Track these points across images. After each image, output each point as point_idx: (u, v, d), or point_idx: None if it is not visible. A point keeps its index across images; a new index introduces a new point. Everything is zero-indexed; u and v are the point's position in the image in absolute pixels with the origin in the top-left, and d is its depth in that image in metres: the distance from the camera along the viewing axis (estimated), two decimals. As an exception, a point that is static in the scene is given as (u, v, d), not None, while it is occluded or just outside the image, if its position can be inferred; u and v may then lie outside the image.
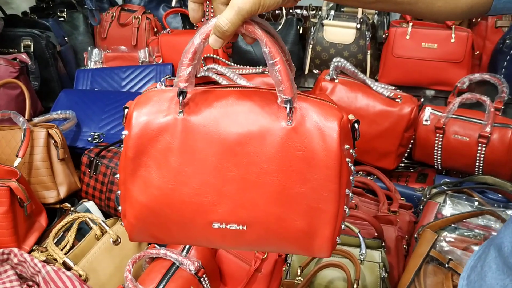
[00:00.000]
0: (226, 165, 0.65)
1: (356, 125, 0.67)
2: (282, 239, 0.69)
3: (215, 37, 0.60)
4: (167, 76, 0.71)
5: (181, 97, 0.64)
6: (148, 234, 0.71)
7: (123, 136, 0.67)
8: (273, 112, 0.65)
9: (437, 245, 1.25)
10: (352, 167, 0.68)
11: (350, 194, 0.69)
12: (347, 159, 0.66)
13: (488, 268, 0.64)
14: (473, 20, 1.98)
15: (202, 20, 0.66)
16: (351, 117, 0.67)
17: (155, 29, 2.28)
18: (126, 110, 0.67)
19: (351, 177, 0.68)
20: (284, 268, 1.31)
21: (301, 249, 0.71)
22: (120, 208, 0.71)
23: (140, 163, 0.66)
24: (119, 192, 0.70)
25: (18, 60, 1.84)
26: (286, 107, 0.64)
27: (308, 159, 0.64)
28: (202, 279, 1.22)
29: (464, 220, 1.32)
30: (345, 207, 0.68)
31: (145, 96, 0.67)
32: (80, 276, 1.24)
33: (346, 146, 0.66)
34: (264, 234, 0.68)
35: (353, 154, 0.68)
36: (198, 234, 0.69)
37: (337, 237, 0.70)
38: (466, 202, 1.41)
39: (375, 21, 2.06)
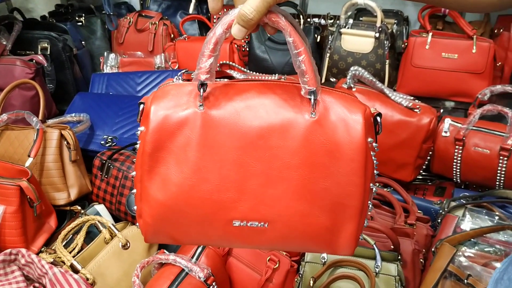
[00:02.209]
0: (248, 159, 0.63)
1: (378, 118, 0.66)
2: (305, 236, 0.67)
3: (239, 26, 0.58)
4: (184, 70, 0.70)
5: (201, 90, 0.62)
6: (164, 234, 0.69)
7: (139, 132, 0.65)
8: (296, 104, 0.63)
9: (456, 260, 1.21)
10: (375, 161, 0.66)
11: (374, 188, 0.67)
12: (371, 152, 0.64)
13: None
14: (495, 31, 1.94)
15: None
16: (373, 110, 0.66)
17: (172, 35, 2.29)
18: (142, 105, 0.66)
19: (375, 171, 0.66)
20: (296, 279, 1.27)
21: (323, 247, 0.69)
22: (135, 208, 0.69)
23: (158, 159, 0.64)
24: (134, 191, 0.68)
25: (34, 61, 1.85)
26: (310, 99, 0.63)
27: (333, 152, 0.63)
28: (211, 287, 1.19)
29: (484, 235, 1.27)
30: (369, 202, 0.67)
31: (162, 91, 0.65)
32: (87, 279, 1.22)
33: (370, 139, 0.64)
34: (286, 232, 0.66)
35: (376, 148, 0.66)
36: (218, 233, 0.67)
37: (361, 234, 0.68)
38: (486, 217, 1.36)
39: (394, 30, 2.04)
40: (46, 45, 1.98)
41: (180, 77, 0.69)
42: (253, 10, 0.56)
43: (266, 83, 0.66)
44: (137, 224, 0.71)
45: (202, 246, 1.26)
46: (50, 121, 1.64)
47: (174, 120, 0.63)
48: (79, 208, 1.52)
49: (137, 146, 0.66)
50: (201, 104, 0.62)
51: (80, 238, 1.35)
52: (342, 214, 0.65)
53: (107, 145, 1.73)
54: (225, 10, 0.63)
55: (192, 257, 1.24)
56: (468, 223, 1.36)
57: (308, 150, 0.63)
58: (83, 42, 2.22)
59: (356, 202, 0.65)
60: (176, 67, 2.14)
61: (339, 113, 0.63)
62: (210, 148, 0.63)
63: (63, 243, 1.33)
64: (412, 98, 1.74)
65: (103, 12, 2.20)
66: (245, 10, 0.57)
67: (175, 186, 0.64)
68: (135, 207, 0.69)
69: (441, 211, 1.51)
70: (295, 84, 0.66)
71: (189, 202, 0.64)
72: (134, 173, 0.67)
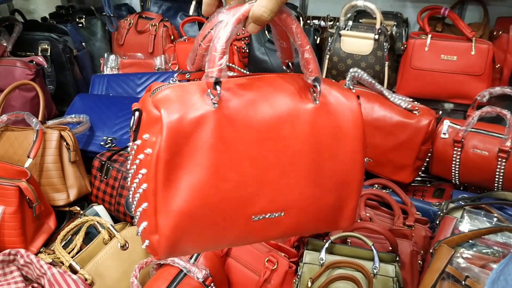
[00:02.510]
0: (263, 152, 0.64)
1: (358, 99, 0.72)
2: (315, 218, 0.70)
3: (255, 25, 0.62)
4: (180, 71, 0.69)
5: (218, 88, 0.61)
6: (182, 246, 0.65)
7: (139, 142, 0.62)
8: (300, 93, 0.67)
9: (454, 261, 1.20)
10: None
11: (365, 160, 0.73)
12: None
13: None
14: (494, 33, 1.95)
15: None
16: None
17: (172, 37, 2.30)
18: (138, 113, 0.63)
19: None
20: (294, 280, 1.27)
21: (328, 225, 0.74)
22: (144, 224, 0.64)
23: (175, 165, 0.61)
24: (145, 204, 0.63)
25: (34, 62, 1.85)
26: (315, 86, 0.67)
27: (336, 134, 0.68)
28: (209, 288, 1.19)
29: (483, 237, 1.27)
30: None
31: (164, 94, 0.62)
32: (86, 280, 1.22)
33: None
34: (299, 217, 0.69)
35: None
36: (237, 231, 0.67)
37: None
38: (484, 218, 1.36)
39: (393, 32, 2.04)
40: (46, 46, 1.99)
41: (176, 78, 0.68)
42: (270, 12, 0.60)
43: (268, 77, 0.67)
44: (146, 243, 0.65)
45: (200, 247, 1.26)
46: (50, 122, 1.65)
47: (188, 121, 0.60)
48: (78, 208, 1.52)
49: (140, 156, 0.62)
50: (215, 102, 0.61)
51: (79, 239, 1.35)
52: (345, 191, 0.71)
53: (107, 146, 1.74)
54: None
55: (191, 258, 1.24)
56: (466, 225, 1.35)
57: (316, 135, 0.66)
58: (83, 44, 2.22)
59: (356, 177, 0.71)
60: (176, 68, 2.14)
61: (336, 97, 0.69)
62: (227, 146, 0.62)
63: (62, 244, 1.33)
64: (411, 99, 1.74)
65: (104, 13, 2.21)
66: (262, 13, 0.59)
67: (196, 191, 0.61)
68: (141, 222, 0.64)
69: (439, 212, 1.51)
70: (295, 74, 0.69)
71: (211, 204, 0.62)
72: (145, 185, 0.62)
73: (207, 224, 0.64)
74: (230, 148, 0.62)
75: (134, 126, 0.63)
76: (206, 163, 0.61)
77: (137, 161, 0.63)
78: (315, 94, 0.67)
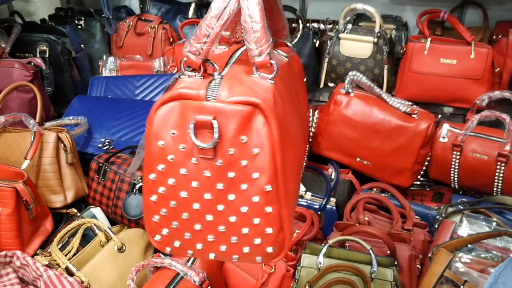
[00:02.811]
0: (293, 112, 0.68)
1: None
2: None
3: None
4: (214, 66, 0.65)
5: (274, 63, 0.59)
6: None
7: (233, 150, 0.56)
8: (278, 53, 0.75)
9: (452, 266, 1.20)
10: None
11: None
12: None
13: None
14: (494, 37, 1.94)
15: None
16: None
17: (171, 39, 2.29)
18: (216, 121, 0.56)
19: None
20: (291, 284, 1.27)
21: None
22: (268, 230, 0.59)
23: (283, 153, 0.57)
24: (270, 209, 0.58)
25: (32, 64, 1.85)
26: (288, 45, 0.77)
27: (297, 80, 0.77)
28: (206, 291, 1.18)
29: (481, 241, 1.27)
30: None
31: (235, 89, 0.57)
32: (82, 282, 1.21)
33: None
34: (300, 162, 0.77)
35: None
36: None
37: None
38: (483, 223, 1.36)
39: (393, 36, 2.03)
40: (44, 48, 1.98)
41: (188, 69, 0.60)
42: None
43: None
44: (269, 250, 0.59)
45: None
46: (47, 124, 1.64)
47: (278, 103, 0.58)
48: (75, 211, 1.52)
49: (244, 163, 0.57)
50: (271, 78, 0.59)
51: (75, 241, 1.35)
52: (306, 124, 0.84)
53: (105, 148, 1.73)
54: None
55: (188, 261, 1.23)
56: (465, 229, 1.35)
57: (294, 85, 0.74)
58: (82, 46, 2.22)
59: (308, 109, 0.82)
60: (175, 71, 2.14)
61: (288, 53, 0.77)
62: (287, 115, 0.62)
63: (59, 246, 1.32)
64: (410, 103, 1.74)
65: (103, 15, 2.20)
66: None
67: (292, 166, 0.61)
68: (259, 234, 0.59)
69: (438, 216, 1.51)
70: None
71: (298, 176, 0.69)
72: (268, 187, 0.57)
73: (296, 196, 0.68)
74: (287, 116, 0.62)
75: (217, 140, 0.56)
76: (287, 137, 0.60)
77: (232, 175, 0.57)
78: (283, 53, 0.75)
